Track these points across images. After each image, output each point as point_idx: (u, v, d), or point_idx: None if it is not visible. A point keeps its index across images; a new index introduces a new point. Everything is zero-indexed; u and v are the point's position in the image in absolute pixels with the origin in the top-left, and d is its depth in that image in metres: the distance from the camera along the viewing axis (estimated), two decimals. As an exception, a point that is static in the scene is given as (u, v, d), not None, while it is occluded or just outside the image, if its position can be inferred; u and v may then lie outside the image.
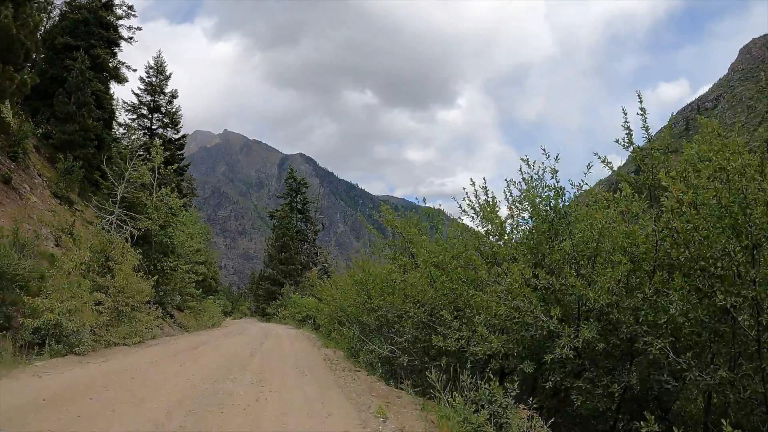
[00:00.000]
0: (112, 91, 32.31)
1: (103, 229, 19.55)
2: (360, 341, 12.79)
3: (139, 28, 34.53)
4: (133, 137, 28.65)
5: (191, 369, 10.38)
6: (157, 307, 22.10)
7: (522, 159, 7.56)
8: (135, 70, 35.94)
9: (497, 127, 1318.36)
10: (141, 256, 22.46)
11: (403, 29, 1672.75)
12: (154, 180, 24.59)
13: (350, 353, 14.11)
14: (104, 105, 29.53)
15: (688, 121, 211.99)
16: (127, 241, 18.02)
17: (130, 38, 34.03)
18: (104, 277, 15.43)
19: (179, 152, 43.32)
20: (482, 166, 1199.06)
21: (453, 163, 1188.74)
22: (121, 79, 33.52)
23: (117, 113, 33.39)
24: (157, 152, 24.33)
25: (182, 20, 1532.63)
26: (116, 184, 20.84)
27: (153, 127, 40.60)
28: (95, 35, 29.87)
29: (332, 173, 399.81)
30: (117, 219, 20.24)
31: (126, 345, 14.08)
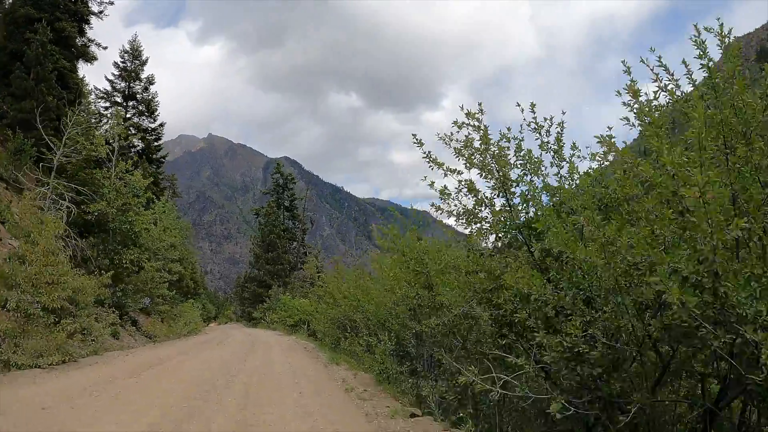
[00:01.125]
0: (82, 75, 28.36)
1: (38, 208, 14.64)
2: (401, 361, 7.96)
3: (111, 2, 29.67)
4: (86, 102, 23.44)
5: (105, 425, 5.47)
6: (114, 311, 17.21)
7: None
8: (105, 48, 31.30)
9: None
10: (94, 247, 17.91)
11: (388, 31, 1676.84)
12: (113, 155, 19.65)
13: (384, 378, 9.19)
14: (69, 85, 25.42)
15: (674, 119, 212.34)
16: (62, 220, 13.15)
17: (101, 12, 29.64)
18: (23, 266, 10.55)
19: (156, 143, 39.64)
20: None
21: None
22: (89, 58, 29.08)
23: (87, 98, 29.55)
24: (118, 121, 19.57)
25: (167, 24, 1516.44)
26: (53, 147, 15.85)
27: (127, 115, 36.53)
28: (60, 7, 25.97)
29: (317, 176, 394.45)
30: (53, 193, 15.20)
31: (39, 367, 9.21)
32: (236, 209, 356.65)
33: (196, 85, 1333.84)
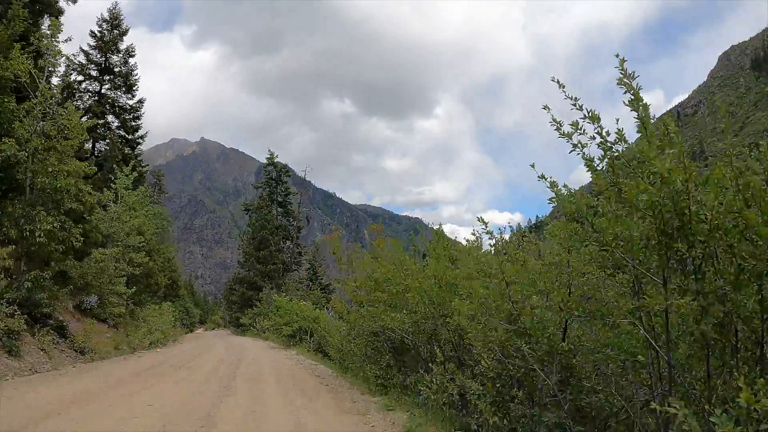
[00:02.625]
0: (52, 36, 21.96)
1: None
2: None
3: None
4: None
5: None
6: (16, 311, 10.68)
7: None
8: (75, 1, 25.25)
9: (474, 136, 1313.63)
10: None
11: (382, 39, 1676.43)
12: (42, 80, 13.09)
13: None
14: (30, 41, 19.01)
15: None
16: None
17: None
18: None
19: (134, 122, 35.09)
20: (459, 175, 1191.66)
21: (430, 171, 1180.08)
22: (55, 11, 22.98)
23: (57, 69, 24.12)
24: (54, 32, 13.30)
25: (162, 28, 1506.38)
26: None
27: (102, 90, 32.76)
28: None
29: (309, 182, 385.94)
30: None
31: None
32: (228, 214, 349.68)
33: (190, 89, 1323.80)
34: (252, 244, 45.25)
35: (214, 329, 67.64)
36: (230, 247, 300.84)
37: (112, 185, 21.01)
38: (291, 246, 51.60)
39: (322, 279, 41.72)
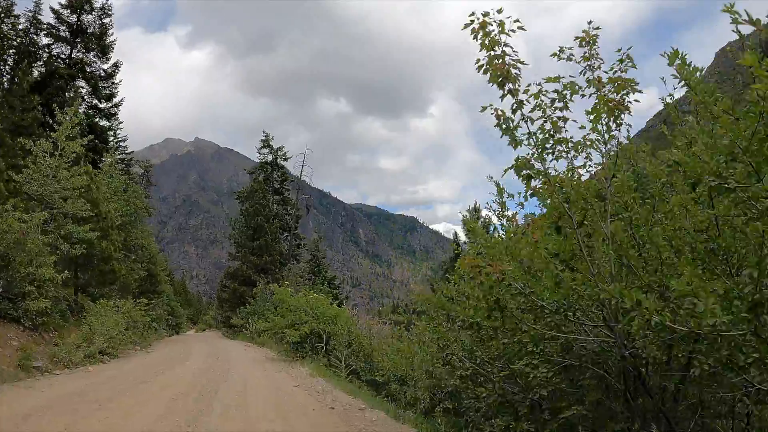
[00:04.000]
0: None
1: None
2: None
3: None
4: None
5: None
6: None
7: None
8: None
9: (469, 136, 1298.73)
10: None
11: (377, 38, 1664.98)
12: None
13: None
14: None
15: (665, 123, 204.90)
16: None
17: None
18: None
19: (107, 86, 30.48)
20: (454, 174, 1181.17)
21: (425, 171, 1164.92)
22: None
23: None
24: None
25: (157, 28, 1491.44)
26: None
27: (73, 54, 28.53)
28: None
29: (304, 181, 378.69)
30: None
31: None
32: (222, 214, 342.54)
33: (184, 89, 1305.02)
34: (245, 234, 38.93)
35: (205, 330, 61.59)
36: (225, 247, 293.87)
37: (52, 133, 14.87)
38: (289, 237, 45.40)
39: (326, 272, 35.45)
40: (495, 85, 3.53)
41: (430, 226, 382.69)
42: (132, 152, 46.75)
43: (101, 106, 31.63)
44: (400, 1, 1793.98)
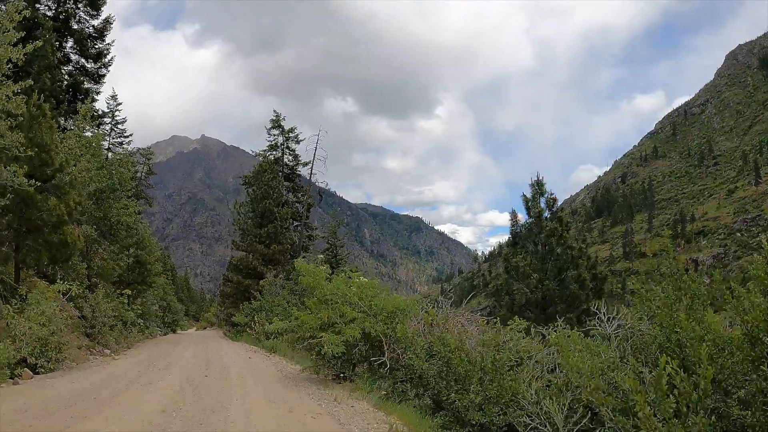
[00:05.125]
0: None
1: None
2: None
3: None
4: None
5: None
6: None
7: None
8: None
9: (475, 137, 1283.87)
10: None
11: (384, 38, 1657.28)
12: None
13: None
14: None
15: (675, 126, 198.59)
16: None
17: None
18: None
19: (97, 45, 26.38)
20: (460, 175, 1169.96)
21: (430, 171, 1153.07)
22: None
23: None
24: None
25: (165, 26, 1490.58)
26: None
27: (59, 8, 24.66)
28: None
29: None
30: None
31: None
32: (227, 212, 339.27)
33: (191, 87, 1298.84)
34: (252, 219, 33.67)
35: (206, 328, 56.51)
36: (230, 244, 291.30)
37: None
38: (300, 227, 40.09)
39: (344, 262, 30.14)
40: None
41: (435, 227, 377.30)
42: (131, 134, 41.96)
43: (89, 66, 27.00)
44: (406, 2, 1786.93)
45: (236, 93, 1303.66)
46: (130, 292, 21.34)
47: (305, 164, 41.45)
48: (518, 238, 20.64)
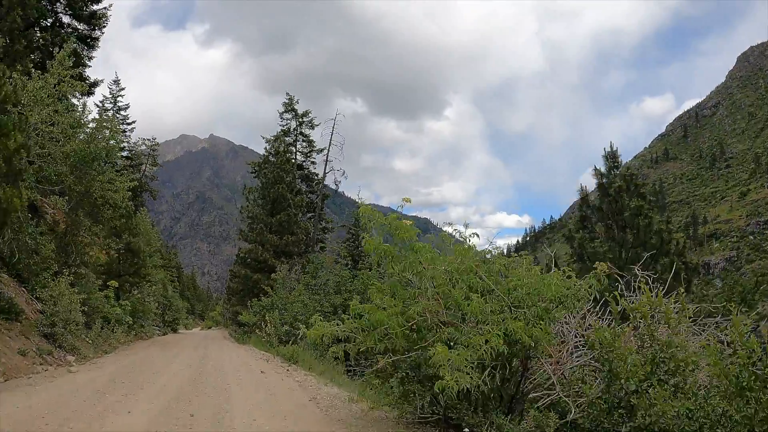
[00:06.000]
0: None
1: None
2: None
3: None
4: None
5: None
6: None
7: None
8: None
9: (485, 139, 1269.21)
10: None
11: (394, 39, 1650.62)
12: None
13: None
14: None
15: (686, 128, 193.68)
16: None
17: None
18: None
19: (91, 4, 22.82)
20: (469, 177, 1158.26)
21: (439, 172, 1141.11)
22: None
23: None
24: None
25: (175, 26, 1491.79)
26: None
27: None
28: None
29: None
30: None
31: None
32: (235, 211, 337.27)
33: (201, 86, 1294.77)
34: (262, 207, 29.71)
35: (211, 328, 52.68)
36: (238, 244, 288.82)
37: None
38: (314, 218, 36.11)
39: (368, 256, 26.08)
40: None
41: (444, 228, 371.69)
42: (134, 121, 38.36)
43: (80, 28, 23.31)
44: (416, 3, 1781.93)
45: (245, 92, 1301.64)
46: (116, 284, 17.44)
47: (320, 151, 37.41)
48: (586, 220, 16.89)
